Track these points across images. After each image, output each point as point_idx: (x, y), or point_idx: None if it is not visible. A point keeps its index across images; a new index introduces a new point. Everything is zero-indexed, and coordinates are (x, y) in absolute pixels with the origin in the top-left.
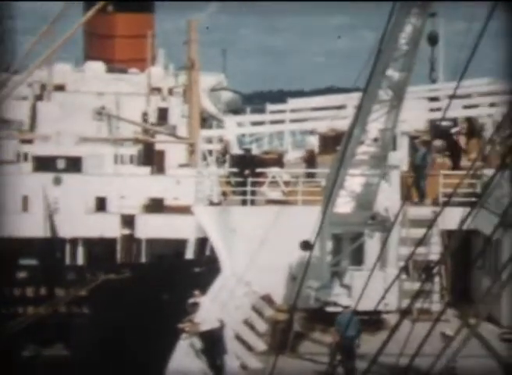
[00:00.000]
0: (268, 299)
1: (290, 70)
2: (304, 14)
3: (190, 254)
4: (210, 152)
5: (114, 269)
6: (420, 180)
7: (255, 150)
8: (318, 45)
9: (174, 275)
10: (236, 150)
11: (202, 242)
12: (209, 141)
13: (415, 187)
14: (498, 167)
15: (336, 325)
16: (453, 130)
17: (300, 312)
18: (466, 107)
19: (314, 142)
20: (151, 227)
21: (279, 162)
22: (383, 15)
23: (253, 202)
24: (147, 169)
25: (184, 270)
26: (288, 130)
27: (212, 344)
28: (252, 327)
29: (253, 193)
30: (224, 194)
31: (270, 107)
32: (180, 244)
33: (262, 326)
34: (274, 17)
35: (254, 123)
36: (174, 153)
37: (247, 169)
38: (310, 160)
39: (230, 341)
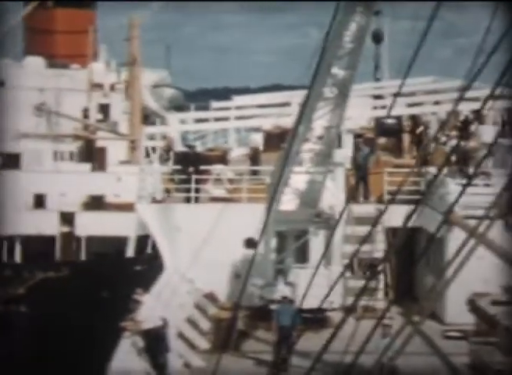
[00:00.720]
0: (211, 297)
1: (236, 68)
2: (250, 11)
3: (130, 252)
4: (153, 149)
5: (52, 267)
6: (363, 179)
7: (199, 147)
8: (264, 43)
9: (114, 273)
10: (179, 147)
11: (143, 240)
12: (152, 138)
13: (357, 186)
14: (442, 165)
15: (275, 315)
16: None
17: (243, 310)
18: (410, 105)
19: (258, 139)
20: (91, 225)
21: (223, 159)
22: (329, 13)
23: (197, 200)
24: (87, 166)
25: (125, 268)
26: (232, 128)
27: (155, 342)
28: (195, 325)
29: (197, 190)
30: (167, 191)
31: (214, 104)
32: (121, 241)
33: (205, 324)
34: (219, 15)
35: (198, 120)
36: (115, 150)
37: (190, 167)
38: (254, 158)
39: (173, 339)
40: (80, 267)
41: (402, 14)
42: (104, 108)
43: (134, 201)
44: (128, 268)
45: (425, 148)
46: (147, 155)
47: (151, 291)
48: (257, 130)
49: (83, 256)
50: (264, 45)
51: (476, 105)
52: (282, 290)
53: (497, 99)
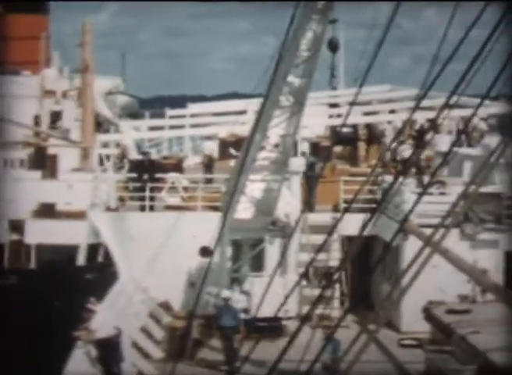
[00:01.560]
0: (166, 306)
1: (192, 75)
2: (207, 18)
3: (81, 260)
4: (107, 157)
5: (0, 275)
6: (310, 189)
7: (154, 155)
8: (221, 50)
9: (65, 281)
10: (134, 155)
11: (94, 248)
12: (106, 145)
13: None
14: (397, 173)
15: (216, 316)
16: None
17: (198, 319)
18: (366, 114)
19: (211, 147)
20: (41, 233)
21: (178, 167)
22: (286, 21)
23: (151, 208)
24: (37, 174)
25: (75, 277)
26: (188, 136)
27: (108, 351)
28: (149, 334)
29: (151, 198)
30: (122, 199)
31: (170, 112)
32: (71, 250)
33: (160, 333)
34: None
35: (153, 128)
36: (67, 157)
37: (145, 174)
38: (208, 165)
39: (127, 348)
40: (29, 275)
41: (358, 22)
42: (56, 116)
43: (86, 209)
44: (78, 276)
45: (382, 156)
46: (101, 162)
47: (105, 299)
48: (210, 137)
49: (32, 264)
50: (221, 53)
51: (431, 114)
52: (237, 298)
53: (452, 108)
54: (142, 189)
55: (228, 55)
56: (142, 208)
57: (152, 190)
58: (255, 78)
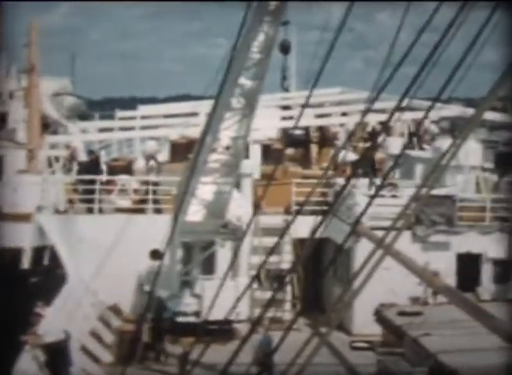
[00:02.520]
0: (115, 309)
1: (144, 77)
2: (159, 19)
3: (26, 263)
4: (56, 159)
5: None
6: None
7: (104, 157)
8: (173, 52)
9: (9, 285)
10: (83, 157)
11: (39, 251)
12: (55, 147)
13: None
14: (349, 176)
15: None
16: None
17: (148, 323)
18: (318, 116)
19: (154, 147)
20: None
21: (128, 169)
22: (238, 22)
23: (101, 210)
24: None
25: (20, 280)
26: (138, 137)
27: (57, 356)
28: (99, 338)
29: (101, 201)
30: (71, 201)
31: (119, 113)
32: (16, 253)
33: (109, 337)
34: (127, 21)
35: (102, 130)
36: (13, 159)
37: (92, 173)
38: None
39: (76, 352)
40: None
41: (311, 25)
42: (2, 116)
43: (32, 211)
44: (23, 280)
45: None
46: (50, 164)
47: (53, 303)
48: (152, 138)
49: None
50: (173, 54)
51: (383, 117)
52: (187, 302)
53: (404, 111)
54: (91, 191)
55: (180, 56)
56: (91, 211)
57: (101, 192)
58: (207, 80)
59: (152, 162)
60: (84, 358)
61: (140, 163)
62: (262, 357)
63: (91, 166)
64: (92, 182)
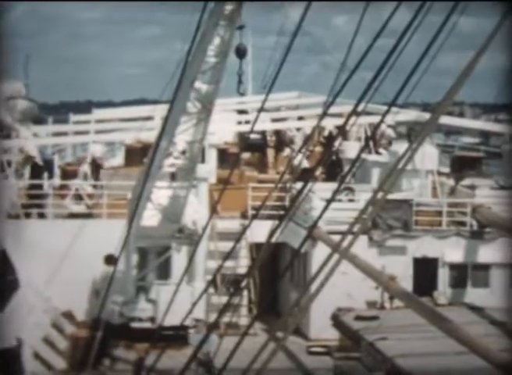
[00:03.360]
0: (69, 315)
1: (101, 81)
2: (116, 23)
3: None
4: (8, 163)
5: None
6: None
7: (58, 161)
8: (131, 56)
9: None
10: (37, 161)
11: None
12: (7, 151)
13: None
14: (306, 180)
15: None
16: None
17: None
18: (275, 120)
19: (100, 150)
20: None
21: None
22: (193, 26)
23: (55, 215)
24: None
25: None
26: (92, 142)
27: (9, 363)
28: (52, 345)
29: (55, 206)
30: (24, 206)
31: (74, 117)
32: None
33: (62, 343)
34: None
35: (56, 134)
36: None
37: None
38: (95, 170)
39: (28, 359)
40: None
41: (268, 30)
42: None
43: None
44: None
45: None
46: (2, 169)
47: (5, 309)
48: (95, 141)
49: None
50: (130, 58)
51: (340, 121)
52: (143, 307)
53: (360, 115)
54: (45, 196)
55: (138, 60)
56: (44, 216)
57: (55, 197)
58: (164, 84)
59: (86, 167)
60: (37, 365)
61: (84, 167)
62: (203, 356)
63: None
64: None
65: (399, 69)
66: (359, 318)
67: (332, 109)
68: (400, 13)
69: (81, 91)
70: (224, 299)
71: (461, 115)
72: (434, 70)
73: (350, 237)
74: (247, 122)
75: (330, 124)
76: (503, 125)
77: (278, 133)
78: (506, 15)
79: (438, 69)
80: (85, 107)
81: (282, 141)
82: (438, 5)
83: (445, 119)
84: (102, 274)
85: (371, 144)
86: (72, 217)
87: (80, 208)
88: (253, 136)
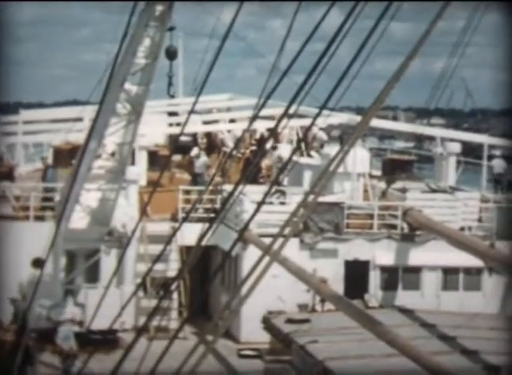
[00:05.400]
0: None
1: (31, 82)
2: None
3: None
4: None
5: None
6: None
7: None
8: (62, 57)
9: None
10: None
11: None
12: None
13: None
14: (237, 182)
15: None
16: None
17: (29, 333)
18: (206, 122)
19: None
20: None
21: (9, 175)
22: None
23: None
24: None
25: None
26: (20, 143)
27: None
28: None
29: None
30: None
31: (1, 118)
32: None
33: None
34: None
35: None
36: None
37: None
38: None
39: None
40: None
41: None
42: None
43: None
44: None
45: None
46: None
47: None
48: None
49: None
50: (62, 60)
51: (272, 124)
52: (71, 311)
53: (292, 118)
54: None
55: (69, 62)
56: None
57: None
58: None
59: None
60: None
61: (22, 169)
62: (65, 349)
63: None
64: None
65: (334, 73)
66: (290, 321)
67: (264, 112)
68: (336, 18)
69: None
70: (154, 302)
71: (395, 119)
72: (370, 75)
73: (281, 240)
74: (178, 124)
75: (262, 127)
76: (434, 129)
77: (209, 135)
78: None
79: (373, 73)
80: (14, 108)
81: (213, 143)
82: (373, 9)
83: (377, 123)
84: (29, 278)
85: (302, 146)
86: None
87: (6, 210)
88: (183, 138)
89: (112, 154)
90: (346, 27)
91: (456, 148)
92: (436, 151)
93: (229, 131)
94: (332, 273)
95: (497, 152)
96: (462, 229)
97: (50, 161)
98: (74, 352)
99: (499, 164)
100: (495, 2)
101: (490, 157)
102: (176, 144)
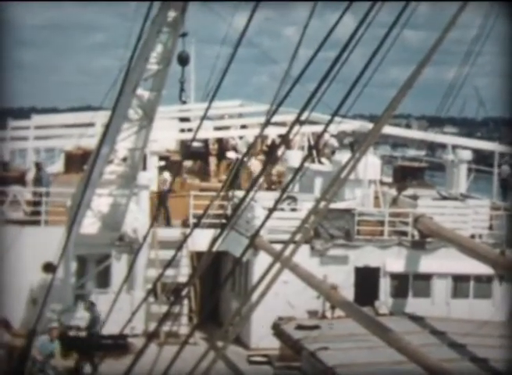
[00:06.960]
0: (4, 324)
1: (46, 87)
2: (62, 30)
3: None
4: None
5: None
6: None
7: None
8: (76, 63)
9: None
10: None
11: None
12: None
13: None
14: (248, 189)
15: None
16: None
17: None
18: (217, 128)
19: None
20: None
21: (20, 180)
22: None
23: None
24: None
25: None
26: (31, 148)
27: None
28: None
29: None
30: None
31: (12, 123)
32: None
33: None
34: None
35: None
36: None
37: None
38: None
39: None
40: None
41: (215, 38)
42: None
43: None
44: None
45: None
46: None
47: None
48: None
49: None
50: (76, 65)
51: (283, 130)
52: (81, 316)
53: (303, 124)
54: None
55: (84, 68)
56: None
57: None
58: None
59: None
60: None
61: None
62: (41, 358)
63: None
64: None
65: (348, 80)
66: (300, 327)
67: (276, 118)
68: (350, 24)
69: (26, 98)
70: (164, 308)
71: (408, 127)
72: (385, 83)
73: (291, 246)
74: (190, 130)
75: (273, 133)
76: (445, 136)
77: (220, 141)
78: (451, 22)
79: (389, 82)
80: (28, 113)
81: (224, 149)
82: (388, 14)
83: (389, 130)
84: (40, 282)
85: (314, 153)
86: (9, 224)
87: (18, 214)
88: (195, 144)
89: (124, 159)
90: (360, 31)
91: (468, 155)
92: (447, 158)
93: (240, 137)
94: (343, 280)
95: (505, 159)
96: (473, 236)
97: (60, 166)
98: (44, 361)
99: (505, 170)
100: (507, 8)
101: (501, 165)
102: (188, 150)
